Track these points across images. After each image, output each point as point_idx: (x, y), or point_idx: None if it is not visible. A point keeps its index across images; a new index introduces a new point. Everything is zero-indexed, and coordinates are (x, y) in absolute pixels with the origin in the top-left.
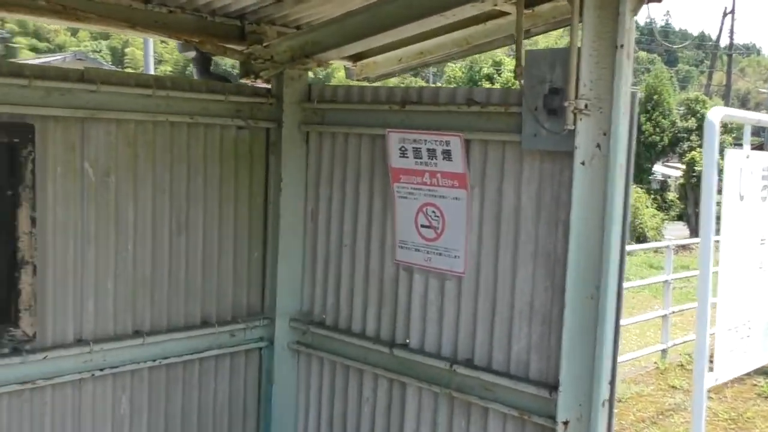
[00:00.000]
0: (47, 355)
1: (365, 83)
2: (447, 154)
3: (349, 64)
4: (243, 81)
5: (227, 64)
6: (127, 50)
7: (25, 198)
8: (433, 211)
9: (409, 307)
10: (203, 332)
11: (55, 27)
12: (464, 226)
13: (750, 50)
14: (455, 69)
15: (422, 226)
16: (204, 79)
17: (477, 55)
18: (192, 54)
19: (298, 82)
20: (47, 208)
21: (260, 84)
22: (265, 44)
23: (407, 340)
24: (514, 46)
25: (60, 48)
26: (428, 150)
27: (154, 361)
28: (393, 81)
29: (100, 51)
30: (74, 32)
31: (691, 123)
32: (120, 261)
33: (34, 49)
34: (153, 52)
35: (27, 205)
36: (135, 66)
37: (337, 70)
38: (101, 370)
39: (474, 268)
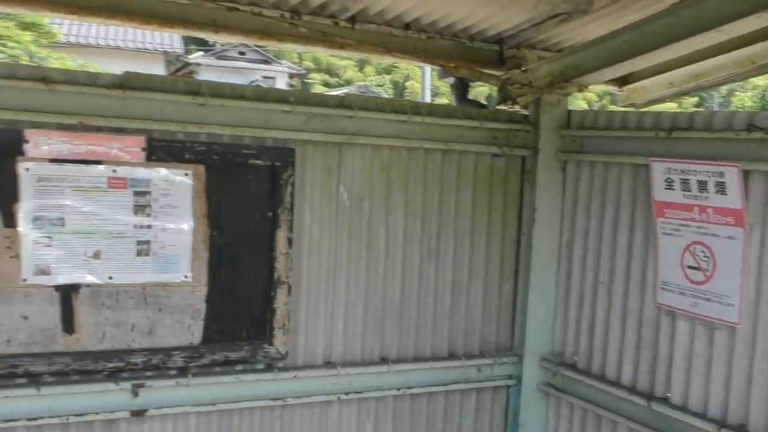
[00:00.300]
0: (297, 374)
1: (631, 109)
2: (721, 187)
3: (615, 89)
4: (500, 107)
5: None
6: (407, 83)
7: (284, 219)
8: (703, 251)
9: (670, 357)
10: (449, 364)
11: (344, 62)
12: (739, 270)
13: None
14: (743, 98)
15: (689, 267)
16: (461, 105)
17: None
18: (451, 80)
19: (557, 107)
20: (303, 230)
21: (517, 110)
22: (523, 69)
23: (667, 394)
24: None
25: (348, 82)
26: (698, 182)
27: (399, 390)
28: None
29: (383, 85)
30: (361, 67)
31: None
32: (370, 286)
33: (327, 84)
34: (430, 85)
35: (285, 227)
36: (414, 98)
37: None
38: (346, 394)
39: (751, 319)
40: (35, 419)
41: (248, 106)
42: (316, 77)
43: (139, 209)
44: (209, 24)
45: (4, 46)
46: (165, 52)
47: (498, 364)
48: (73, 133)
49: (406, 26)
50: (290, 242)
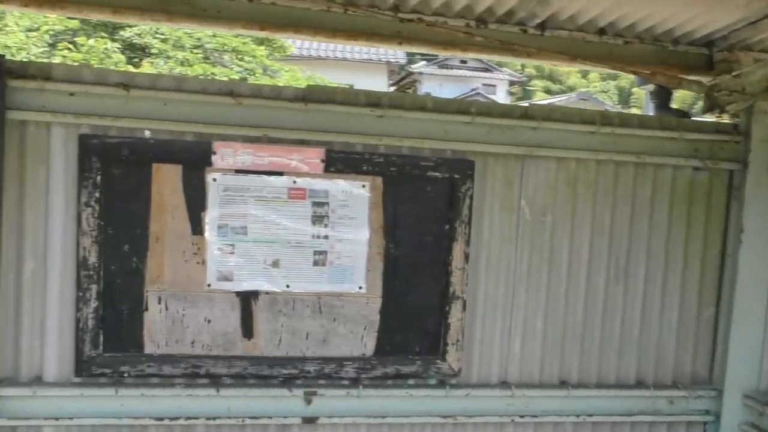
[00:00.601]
0: (470, 392)
1: None
2: None
3: None
4: (706, 116)
5: None
6: (633, 90)
7: (461, 233)
8: None
9: None
10: (637, 393)
11: (567, 69)
12: None
13: None
14: None
15: None
16: (660, 114)
17: None
18: (651, 88)
19: None
20: (481, 245)
21: (725, 120)
22: (734, 74)
23: None
24: None
25: (570, 89)
26: None
27: (578, 416)
28: None
29: (608, 91)
30: (584, 74)
31: None
32: (551, 304)
33: (548, 91)
34: None
35: (462, 241)
36: (640, 105)
37: None
38: (522, 417)
39: None
40: (214, 419)
41: (428, 117)
42: (537, 84)
43: (317, 220)
44: (394, 36)
45: (241, 60)
46: (388, 62)
47: (693, 398)
48: (257, 144)
49: (601, 31)
50: (467, 257)
